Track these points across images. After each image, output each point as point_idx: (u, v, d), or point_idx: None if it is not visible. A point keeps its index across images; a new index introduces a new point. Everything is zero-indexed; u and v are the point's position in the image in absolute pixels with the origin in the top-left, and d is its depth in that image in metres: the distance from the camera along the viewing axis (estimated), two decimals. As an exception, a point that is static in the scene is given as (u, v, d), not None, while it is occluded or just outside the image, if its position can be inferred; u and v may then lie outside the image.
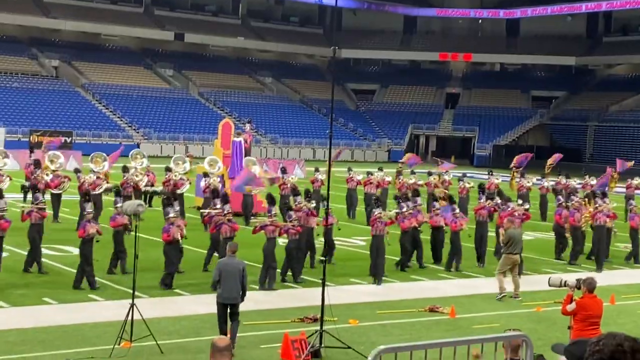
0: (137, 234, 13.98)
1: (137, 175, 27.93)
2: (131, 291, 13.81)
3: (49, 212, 22.56)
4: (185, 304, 16.78)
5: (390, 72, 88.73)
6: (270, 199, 19.78)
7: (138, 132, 64.96)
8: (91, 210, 18.68)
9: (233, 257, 13.72)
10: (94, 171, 27.10)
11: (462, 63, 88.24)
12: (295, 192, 23.31)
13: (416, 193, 23.78)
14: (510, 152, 73.69)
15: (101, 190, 25.90)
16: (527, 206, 24.99)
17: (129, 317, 13.12)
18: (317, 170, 31.82)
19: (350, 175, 32.31)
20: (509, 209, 22.69)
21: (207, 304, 16.69)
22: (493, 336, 6.41)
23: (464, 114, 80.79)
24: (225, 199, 20.13)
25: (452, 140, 79.01)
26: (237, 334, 13.55)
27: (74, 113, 63.91)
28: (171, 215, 18.21)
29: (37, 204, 19.74)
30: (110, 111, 67.10)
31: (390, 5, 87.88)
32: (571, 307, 11.84)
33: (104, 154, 29.67)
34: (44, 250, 20.32)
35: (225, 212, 19.30)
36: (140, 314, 13.25)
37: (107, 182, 26.39)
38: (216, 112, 71.27)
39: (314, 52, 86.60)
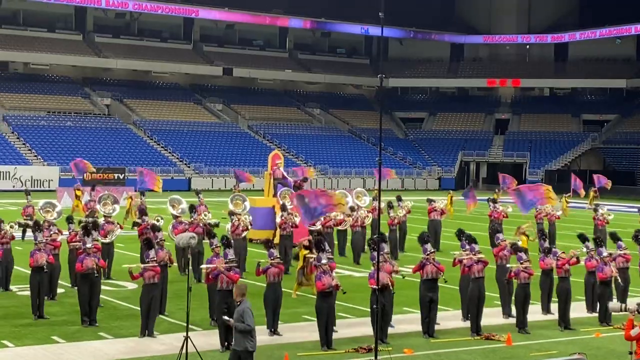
0: (190, 266, 14.04)
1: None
2: (185, 324, 13.83)
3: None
4: (239, 336, 16.72)
5: (439, 100, 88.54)
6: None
7: (189, 167, 65.57)
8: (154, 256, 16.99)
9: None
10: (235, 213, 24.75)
11: (511, 89, 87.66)
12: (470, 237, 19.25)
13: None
14: (563, 177, 72.88)
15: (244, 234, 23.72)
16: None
17: (184, 350, 13.14)
18: (399, 199, 30.74)
19: (433, 206, 31.14)
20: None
21: (260, 334, 16.68)
22: (553, 362, 6.28)
23: (514, 140, 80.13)
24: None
25: (503, 166, 78.19)
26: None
27: (126, 150, 64.82)
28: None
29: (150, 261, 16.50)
30: (162, 147, 67.90)
31: (436, 34, 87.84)
32: (635, 331, 11.60)
33: (244, 195, 27.69)
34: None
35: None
36: (195, 347, 13.26)
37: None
38: (265, 144, 71.68)
39: (361, 82, 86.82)
